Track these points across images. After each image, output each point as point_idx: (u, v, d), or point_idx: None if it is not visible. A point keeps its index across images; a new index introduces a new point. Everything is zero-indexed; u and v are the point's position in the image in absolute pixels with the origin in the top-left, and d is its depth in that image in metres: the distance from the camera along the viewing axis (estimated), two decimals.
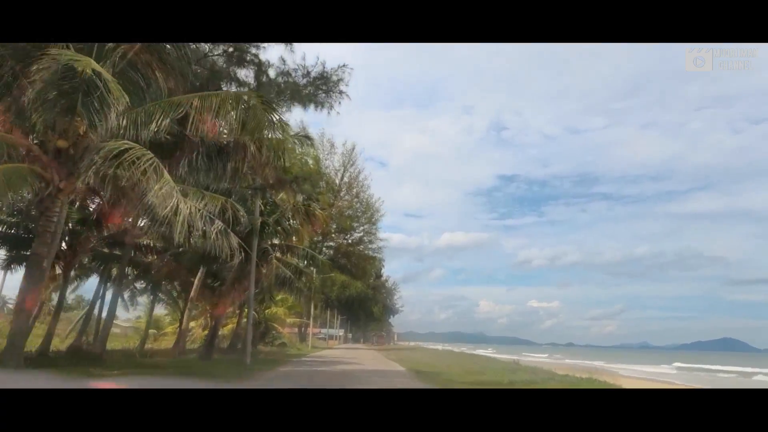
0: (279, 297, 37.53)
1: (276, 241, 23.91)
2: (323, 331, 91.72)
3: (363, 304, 67.99)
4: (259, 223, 21.21)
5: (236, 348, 32.23)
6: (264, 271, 21.87)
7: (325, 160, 55.71)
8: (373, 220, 57.82)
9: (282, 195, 24.28)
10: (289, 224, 23.73)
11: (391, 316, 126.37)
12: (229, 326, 37.45)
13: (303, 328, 57.42)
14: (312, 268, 26.45)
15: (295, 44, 16.53)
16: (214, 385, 11.51)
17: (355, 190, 57.30)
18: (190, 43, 11.92)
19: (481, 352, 78.08)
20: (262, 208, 22.85)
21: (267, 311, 36.66)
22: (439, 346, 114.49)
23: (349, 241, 59.05)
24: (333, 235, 57.95)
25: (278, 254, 24.07)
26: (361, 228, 58.51)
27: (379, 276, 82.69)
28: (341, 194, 57.08)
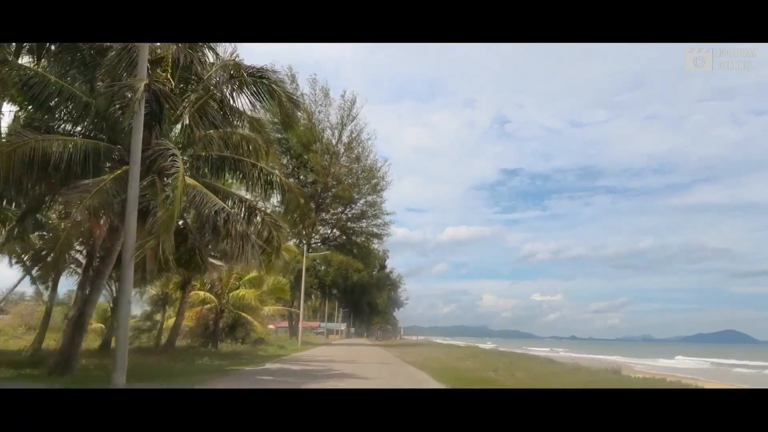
0: (248, 276, 26.25)
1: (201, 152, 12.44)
2: (323, 325, 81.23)
3: (366, 294, 56.24)
4: (142, 88, 9.69)
5: (175, 348, 20.86)
6: (163, 193, 10.46)
7: (318, 113, 44.31)
8: (379, 188, 46.15)
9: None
10: (222, 111, 12.31)
11: (396, 310, 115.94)
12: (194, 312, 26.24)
13: (294, 321, 46.09)
14: (270, 207, 15.05)
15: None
16: None
17: (356, 151, 45.69)
18: None
19: (481, 345, 68.06)
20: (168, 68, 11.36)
21: (232, 294, 25.32)
22: (455, 341, 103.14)
23: (349, 215, 47.55)
24: (329, 208, 46.50)
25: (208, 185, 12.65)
26: (364, 199, 46.96)
27: (383, 266, 71.55)
28: (339, 157, 45.56)
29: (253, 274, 26.77)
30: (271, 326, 71.41)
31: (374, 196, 46.61)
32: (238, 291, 25.00)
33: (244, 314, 26.32)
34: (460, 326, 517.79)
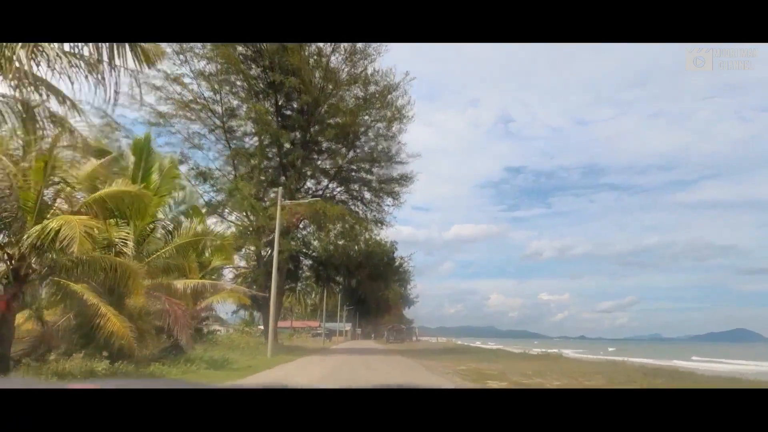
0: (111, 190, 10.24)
1: None
2: (323, 325, 65.80)
3: (377, 277, 39.46)
4: None
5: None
6: None
7: None
8: (398, 115, 29.73)
9: None
10: None
11: (407, 308, 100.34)
12: None
13: (263, 314, 29.90)
14: None
15: None
16: None
17: (362, 63, 29.49)
18: None
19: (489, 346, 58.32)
20: None
21: (36, 230, 9.20)
22: (462, 341, 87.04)
23: (350, 156, 31.26)
24: (321, 143, 30.38)
25: None
26: (373, 142, 30.65)
27: (392, 259, 55.38)
28: (338, 74, 29.42)
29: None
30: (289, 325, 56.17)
31: (389, 128, 30.38)
32: (49, 221, 8.90)
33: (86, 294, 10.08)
34: (467, 327, 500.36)
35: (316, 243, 30.15)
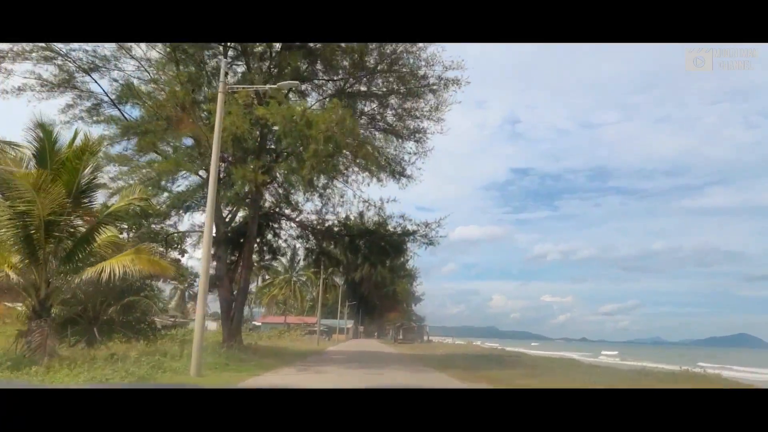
0: None
1: None
2: (323, 322, 55.79)
3: (384, 255, 28.66)
4: None
5: None
6: None
7: None
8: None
9: None
10: None
11: (413, 305, 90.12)
12: None
13: (237, 300, 19.46)
14: None
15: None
16: None
17: None
18: None
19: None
20: None
21: None
22: (460, 341, 77.68)
23: (357, 74, 20.51)
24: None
25: None
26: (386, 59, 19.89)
27: (400, 253, 44.74)
28: None
29: None
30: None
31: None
32: None
33: None
34: (469, 327, 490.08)
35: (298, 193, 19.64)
